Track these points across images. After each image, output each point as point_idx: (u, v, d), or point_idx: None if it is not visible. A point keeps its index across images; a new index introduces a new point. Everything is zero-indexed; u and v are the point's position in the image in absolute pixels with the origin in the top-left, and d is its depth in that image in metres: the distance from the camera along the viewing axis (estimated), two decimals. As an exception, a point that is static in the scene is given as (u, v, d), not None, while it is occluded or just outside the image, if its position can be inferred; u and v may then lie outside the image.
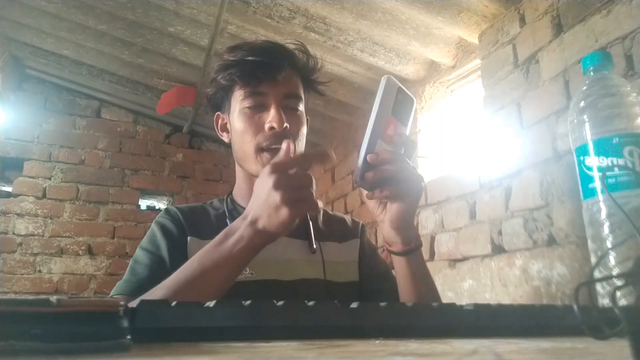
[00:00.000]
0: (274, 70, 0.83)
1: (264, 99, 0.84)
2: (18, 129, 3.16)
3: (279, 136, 0.82)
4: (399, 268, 0.76)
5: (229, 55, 0.86)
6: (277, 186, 0.60)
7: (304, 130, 0.90)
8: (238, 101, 0.86)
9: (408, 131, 0.68)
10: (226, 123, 0.93)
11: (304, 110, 0.90)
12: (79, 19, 2.35)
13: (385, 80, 0.64)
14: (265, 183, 0.61)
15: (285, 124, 0.82)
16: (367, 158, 0.63)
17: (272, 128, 0.82)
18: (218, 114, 0.95)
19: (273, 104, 0.83)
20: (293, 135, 0.84)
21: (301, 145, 0.88)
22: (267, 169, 0.62)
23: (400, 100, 0.65)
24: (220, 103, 0.93)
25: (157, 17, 2.20)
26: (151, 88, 3.07)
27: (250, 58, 0.83)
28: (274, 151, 0.83)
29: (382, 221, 0.71)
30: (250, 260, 0.65)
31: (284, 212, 0.60)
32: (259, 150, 0.84)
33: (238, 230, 0.64)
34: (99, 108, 3.42)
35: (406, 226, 0.71)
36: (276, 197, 0.60)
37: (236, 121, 0.87)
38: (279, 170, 0.61)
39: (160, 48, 2.50)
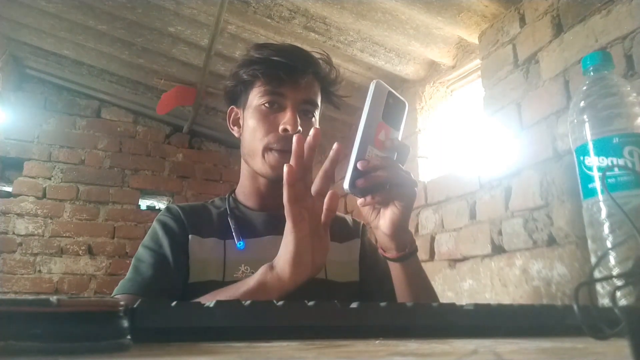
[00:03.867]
0: (297, 74, 0.84)
1: (282, 100, 0.85)
2: (18, 129, 3.16)
3: (290, 139, 0.83)
4: (395, 273, 0.75)
5: (255, 52, 0.87)
6: (292, 226, 0.63)
7: None
8: (256, 97, 0.86)
9: (401, 136, 0.66)
10: (239, 117, 0.93)
11: (317, 118, 0.91)
12: (79, 19, 2.35)
13: (374, 85, 0.62)
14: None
15: (299, 128, 0.82)
16: (358, 165, 0.61)
17: (285, 130, 0.82)
18: (232, 108, 0.96)
19: (290, 107, 0.84)
20: None
21: None
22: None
23: (390, 105, 0.64)
24: (237, 97, 0.93)
25: (157, 17, 2.20)
26: (151, 88, 3.07)
27: (276, 58, 0.84)
28: (282, 153, 0.83)
29: (376, 227, 0.70)
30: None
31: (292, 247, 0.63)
32: (268, 149, 0.84)
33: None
34: (99, 108, 3.42)
35: (400, 232, 0.69)
36: (290, 237, 0.63)
37: (250, 117, 0.87)
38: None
39: (160, 48, 2.50)
